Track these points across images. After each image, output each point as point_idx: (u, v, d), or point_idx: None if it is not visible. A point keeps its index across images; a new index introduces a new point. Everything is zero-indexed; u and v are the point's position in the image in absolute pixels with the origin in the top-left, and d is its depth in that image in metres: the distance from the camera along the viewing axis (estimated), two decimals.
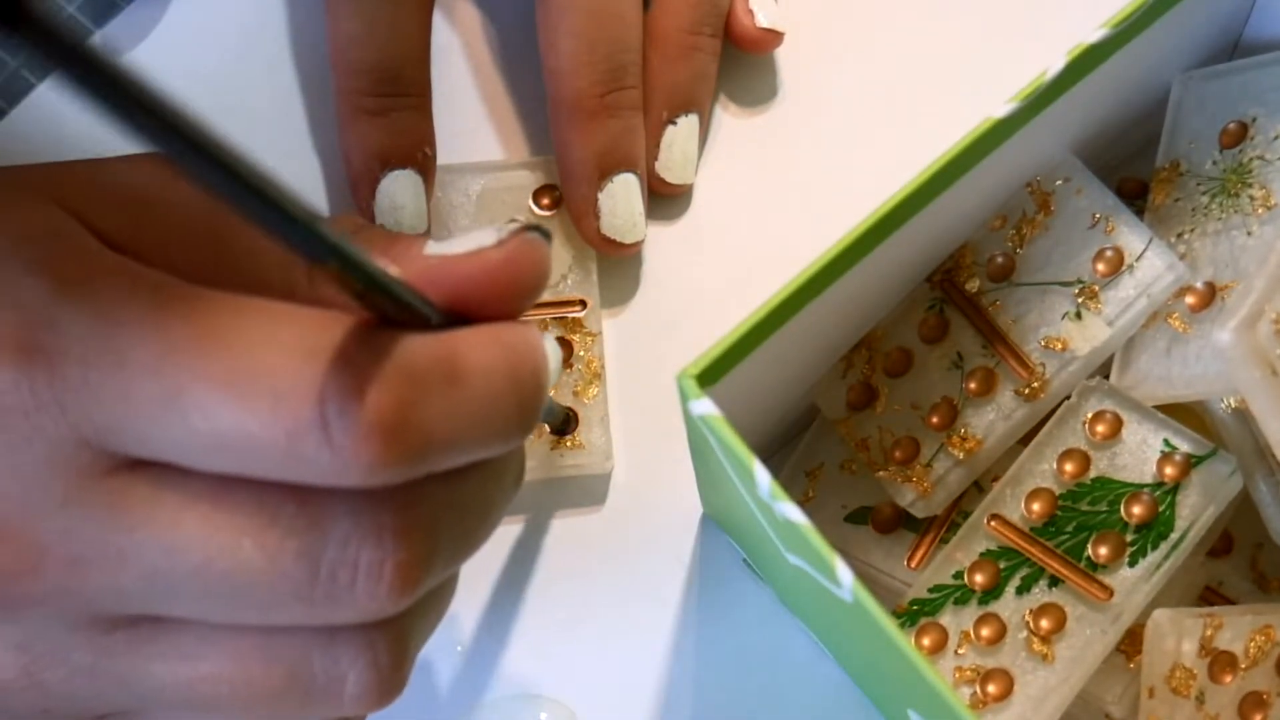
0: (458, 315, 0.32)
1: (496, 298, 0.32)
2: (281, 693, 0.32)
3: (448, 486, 0.32)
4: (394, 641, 0.32)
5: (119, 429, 0.29)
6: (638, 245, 0.48)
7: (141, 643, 0.32)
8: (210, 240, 0.33)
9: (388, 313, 0.30)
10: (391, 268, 0.30)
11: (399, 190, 0.47)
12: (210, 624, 0.32)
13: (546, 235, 0.33)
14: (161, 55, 0.51)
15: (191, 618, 0.31)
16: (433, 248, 0.32)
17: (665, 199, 0.50)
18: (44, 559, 0.30)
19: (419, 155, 0.47)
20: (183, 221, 0.33)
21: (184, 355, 0.29)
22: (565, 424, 0.46)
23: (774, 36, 0.50)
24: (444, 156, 0.49)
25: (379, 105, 0.47)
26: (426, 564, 0.31)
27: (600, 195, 0.47)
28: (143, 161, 0.34)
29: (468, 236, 0.33)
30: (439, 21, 0.51)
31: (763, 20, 0.49)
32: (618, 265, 0.49)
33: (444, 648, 0.46)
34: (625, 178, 0.47)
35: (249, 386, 0.28)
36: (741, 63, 0.51)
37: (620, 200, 0.47)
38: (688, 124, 0.49)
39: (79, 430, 0.29)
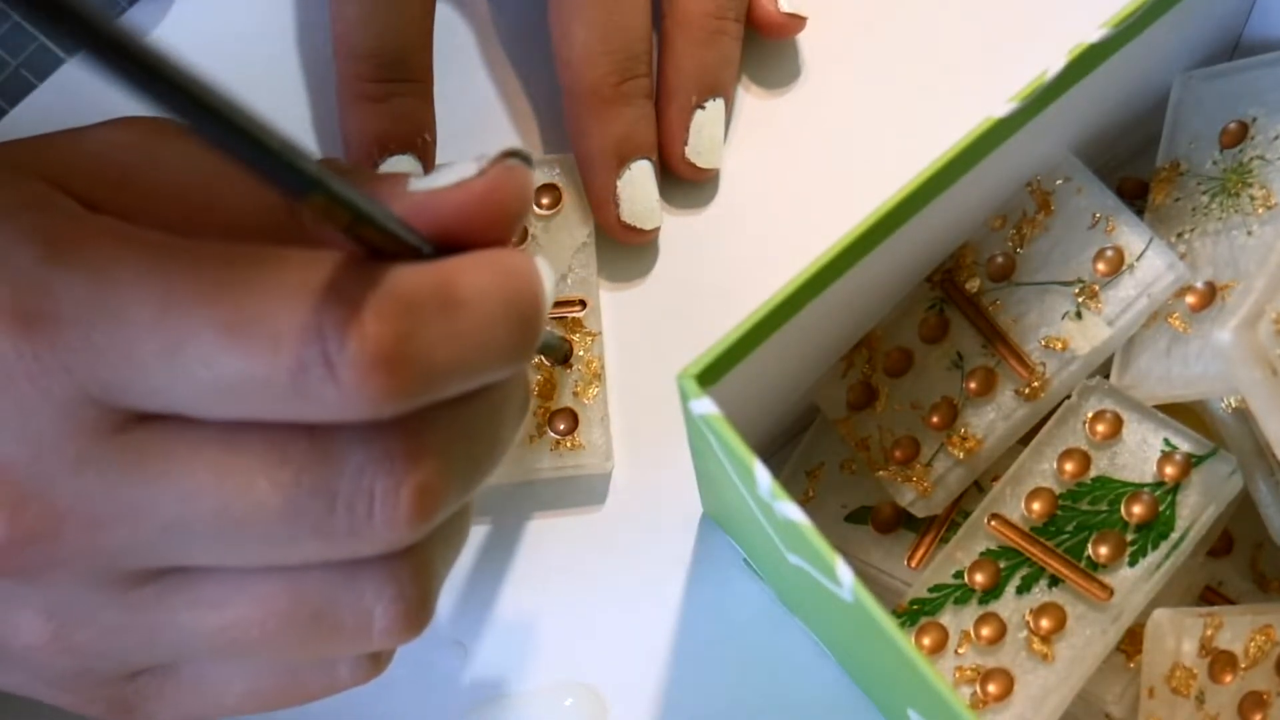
0: (448, 246, 0.32)
1: (483, 226, 0.32)
2: (310, 632, 0.32)
3: (455, 411, 0.32)
4: (417, 572, 0.33)
5: (125, 385, 0.29)
6: (655, 232, 0.48)
7: (168, 594, 0.32)
8: (194, 203, 0.33)
9: (378, 245, 0.30)
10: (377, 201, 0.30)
11: None
12: (234, 570, 0.32)
13: (528, 159, 0.33)
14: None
15: (215, 565, 0.32)
16: (416, 184, 0.32)
17: (682, 189, 0.50)
18: (63, 521, 0.30)
19: (418, 141, 0.48)
20: (165, 185, 0.33)
21: (182, 307, 0.29)
22: (566, 356, 0.46)
23: (796, 21, 0.50)
24: (444, 155, 0.49)
25: (380, 91, 0.47)
26: (441, 488, 0.31)
27: (619, 183, 0.47)
28: (122, 127, 0.34)
29: (449, 169, 0.33)
30: (444, 21, 0.51)
31: (785, 4, 0.50)
32: (618, 265, 0.49)
33: (444, 646, 0.46)
34: (642, 164, 0.48)
35: (248, 331, 0.29)
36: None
37: (640, 187, 0.48)
38: (715, 108, 0.49)
39: (86, 390, 0.29)
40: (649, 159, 0.48)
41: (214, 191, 0.33)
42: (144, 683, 0.34)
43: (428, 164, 0.48)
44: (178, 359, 0.29)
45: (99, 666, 0.33)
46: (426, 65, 0.48)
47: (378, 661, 0.35)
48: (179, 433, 0.30)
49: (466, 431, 0.32)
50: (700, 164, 0.49)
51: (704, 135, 0.49)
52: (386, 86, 0.47)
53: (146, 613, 0.32)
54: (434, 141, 0.48)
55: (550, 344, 0.45)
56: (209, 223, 0.32)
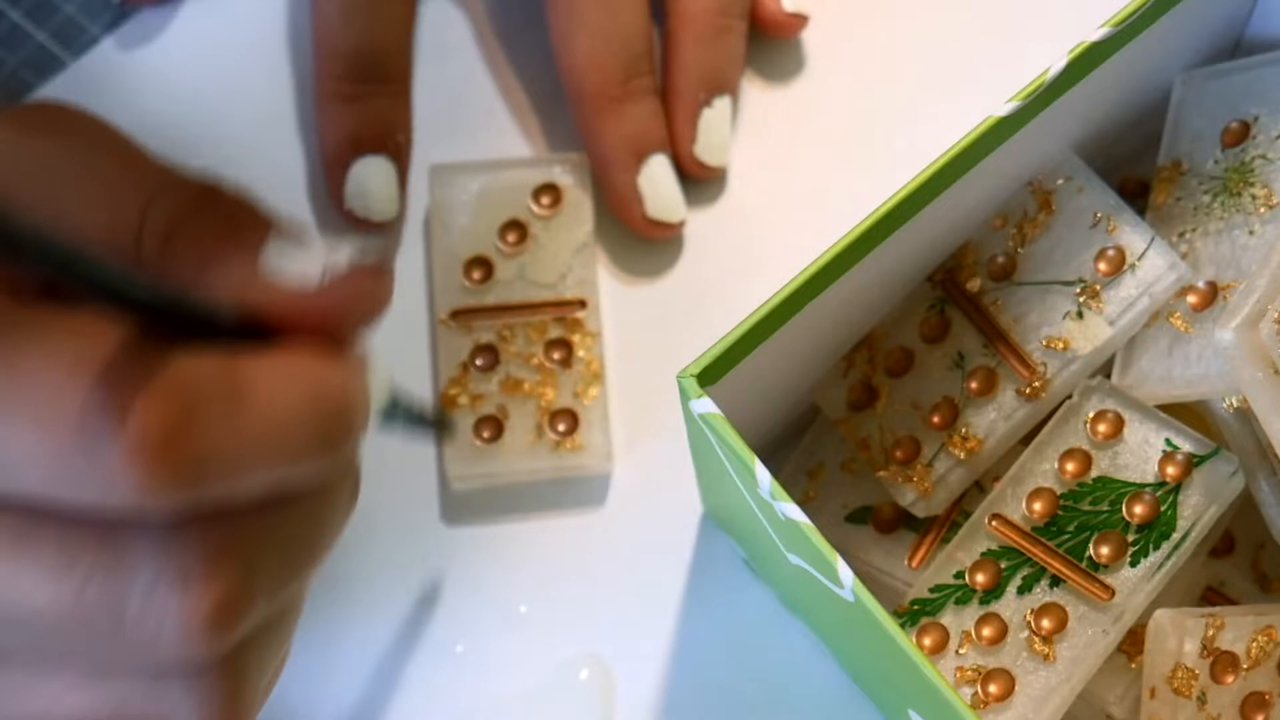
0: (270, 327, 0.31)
1: (317, 330, 0.31)
2: None
3: (264, 517, 0.30)
4: (223, 680, 0.31)
5: None
6: (682, 224, 0.48)
7: None
8: (42, 215, 0.31)
9: (161, 319, 0.28)
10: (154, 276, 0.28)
11: (369, 176, 0.47)
12: (34, 663, 0.30)
13: (387, 255, 0.32)
14: (168, 59, 0.51)
15: (13, 656, 0.30)
16: (270, 258, 0.31)
17: (684, 188, 0.50)
18: None
19: (392, 142, 0.48)
20: (12, 188, 0.31)
21: None
22: (451, 433, 0.45)
23: (799, 21, 0.50)
24: (445, 154, 0.49)
25: (354, 91, 0.47)
26: (243, 601, 0.30)
27: (639, 179, 0.47)
28: None
29: (305, 257, 0.31)
30: (442, 20, 0.51)
31: (788, 3, 0.50)
32: (618, 265, 0.49)
33: (443, 647, 0.46)
34: (659, 158, 0.48)
35: (15, 406, 0.27)
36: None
37: (661, 181, 0.48)
38: (722, 105, 0.49)
39: None
40: (664, 152, 0.48)
41: (62, 205, 0.31)
42: None
43: (402, 165, 0.48)
44: None
45: None
46: (404, 67, 0.48)
47: None
48: None
49: (279, 537, 0.31)
50: (709, 162, 0.49)
51: (712, 133, 0.49)
52: (361, 87, 0.47)
53: None
54: (409, 143, 0.48)
55: (420, 418, 0.38)
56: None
